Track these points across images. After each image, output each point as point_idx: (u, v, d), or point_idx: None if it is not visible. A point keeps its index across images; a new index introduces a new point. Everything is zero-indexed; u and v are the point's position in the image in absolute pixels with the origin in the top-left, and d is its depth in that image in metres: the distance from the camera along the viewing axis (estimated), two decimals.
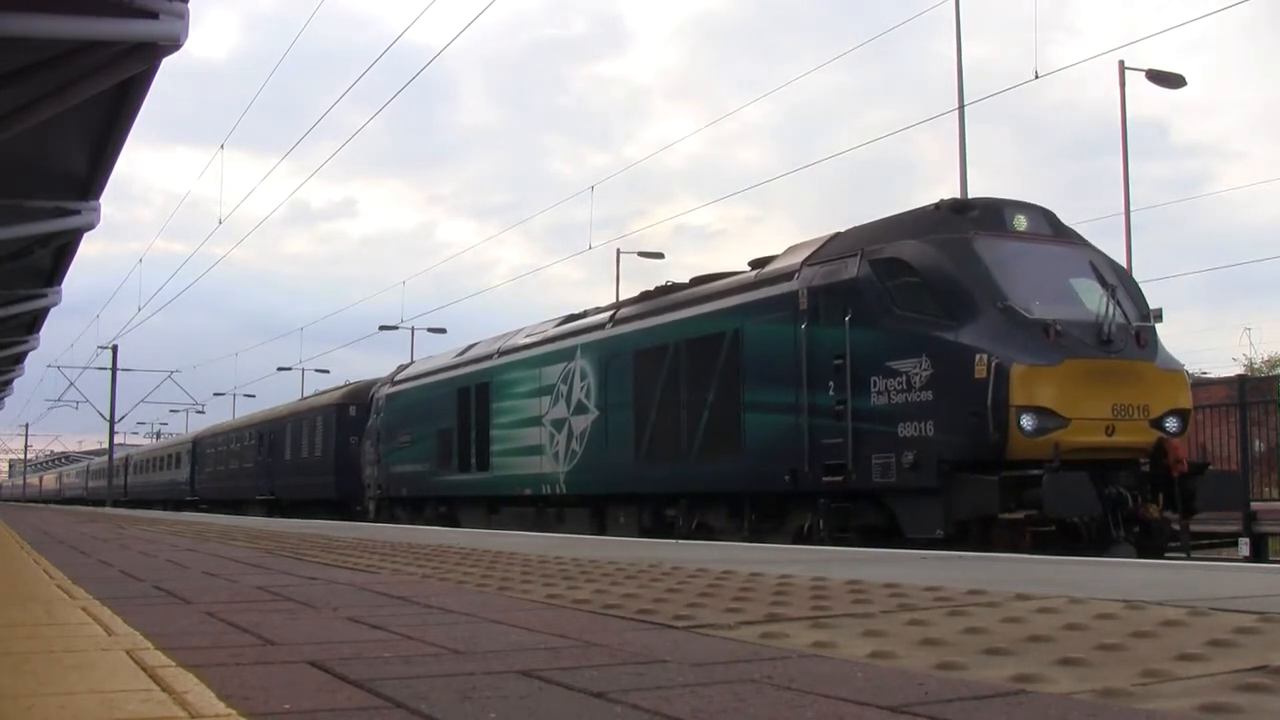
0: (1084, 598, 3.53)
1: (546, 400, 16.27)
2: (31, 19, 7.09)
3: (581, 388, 15.41)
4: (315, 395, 33.96)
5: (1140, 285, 11.45)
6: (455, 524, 18.04)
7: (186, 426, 65.29)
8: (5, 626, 3.13)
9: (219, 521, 17.24)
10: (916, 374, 9.99)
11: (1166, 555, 9.85)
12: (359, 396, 26.78)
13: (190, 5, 7.54)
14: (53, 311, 19.09)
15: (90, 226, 12.59)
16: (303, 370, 54.01)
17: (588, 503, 15.30)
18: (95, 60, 7.79)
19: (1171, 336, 11.36)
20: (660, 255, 38.49)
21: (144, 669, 2.32)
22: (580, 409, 15.36)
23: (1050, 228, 11.15)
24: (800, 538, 11.17)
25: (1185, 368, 11.02)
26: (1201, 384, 16.96)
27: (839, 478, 10.66)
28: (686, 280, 14.60)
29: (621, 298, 19.12)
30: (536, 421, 16.46)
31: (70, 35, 7.42)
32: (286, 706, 1.91)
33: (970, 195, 13.06)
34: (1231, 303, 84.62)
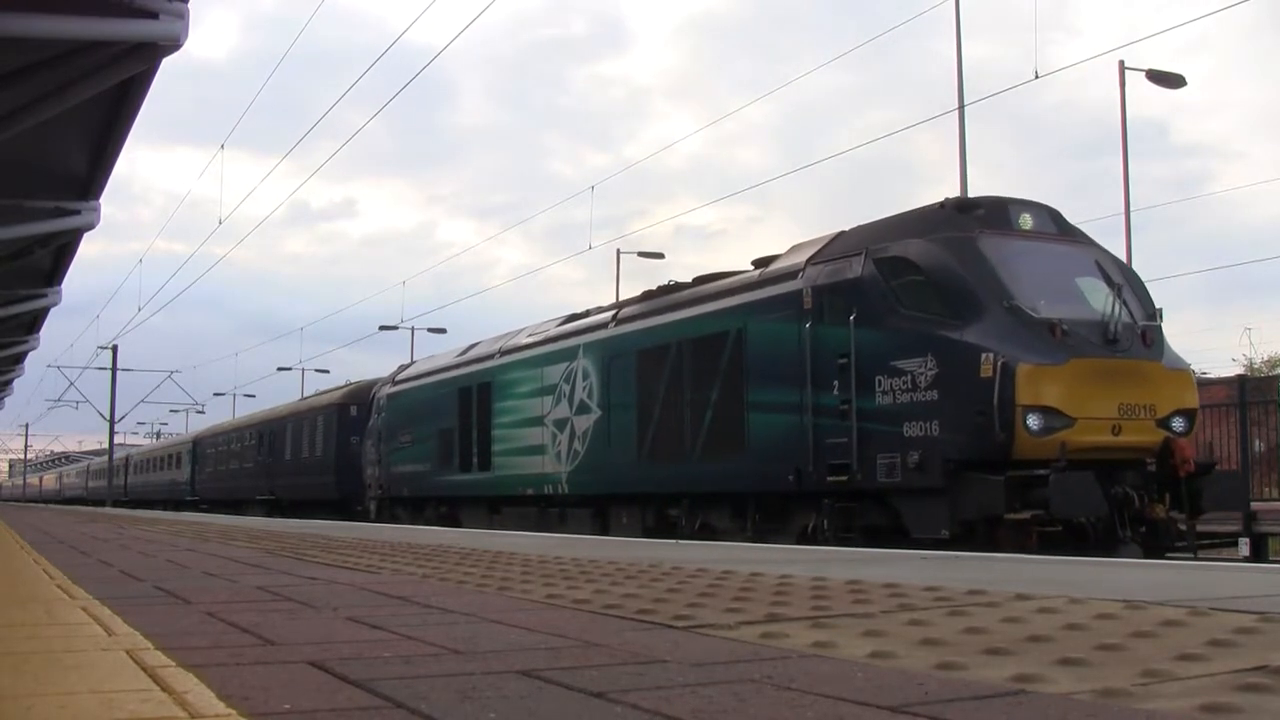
0: (1084, 598, 3.53)
1: (549, 400, 16.24)
2: (31, 19, 7.10)
3: (584, 387, 15.39)
4: (316, 395, 33.97)
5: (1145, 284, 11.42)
6: (457, 524, 18.02)
7: (186, 426, 65.36)
8: (5, 626, 3.14)
9: (219, 521, 17.24)
10: (922, 373, 9.96)
11: (1170, 555, 9.82)
12: (360, 396, 26.78)
13: (190, 5, 7.55)
14: (53, 311, 19.12)
15: (90, 226, 12.59)
16: (303, 370, 54.09)
17: (590, 503, 15.26)
18: (95, 60, 7.79)
19: (1172, 336, 11.29)
20: (660, 255, 38.50)
21: (144, 669, 2.32)
22: (583, 409, 15.34)
23: (1055, 226, 11.11)
24: (804, 538, 11.13)
25: (1192, 367, 10.97)
26: (1201, 384, 16.92)
27: (844, 477, 10.62)
28: (689, 280, 14.57)
29: (621, 298, 19.11)
30: (539, 421, 16.43)
31: (70, 35, 7.42)
32: (286, 706, 1.91)
33: (971, 195, 13.00)
34: (1231, 303, 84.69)
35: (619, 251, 35.67)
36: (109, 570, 5.56)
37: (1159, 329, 10.50)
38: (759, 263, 13.14)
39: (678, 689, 2.05)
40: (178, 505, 42.46)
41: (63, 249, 14.52)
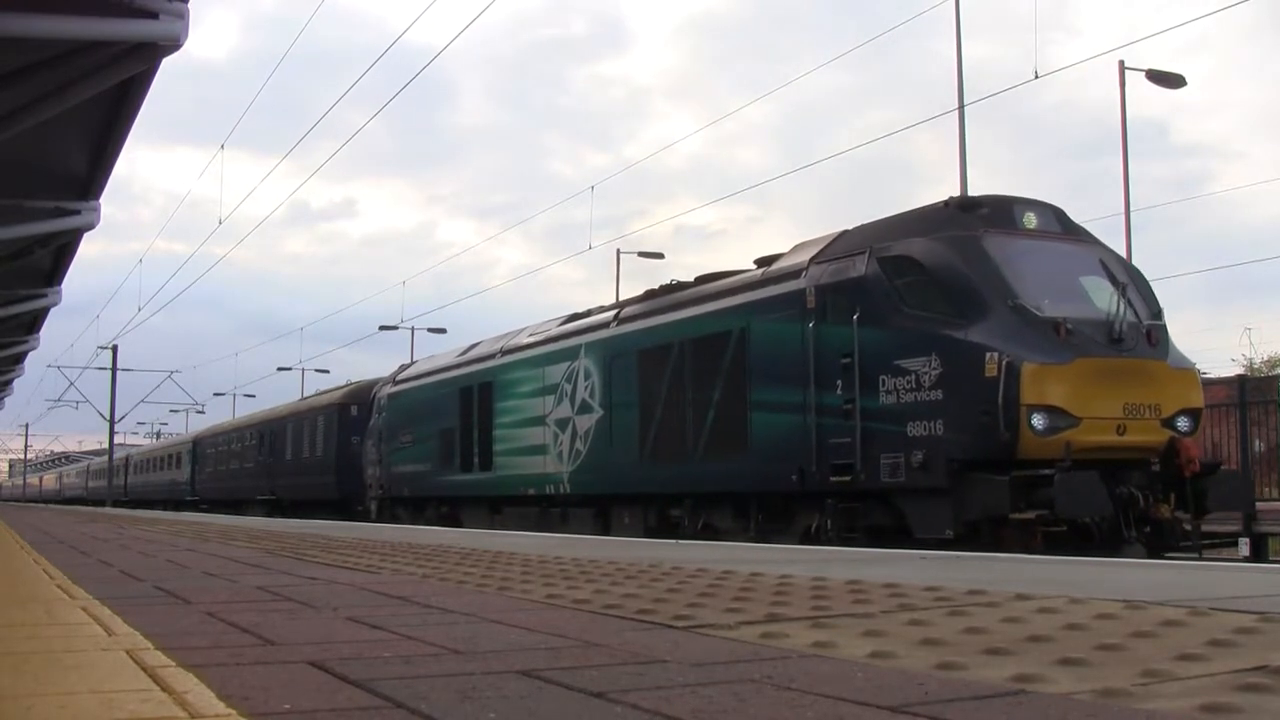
0: (1084, 598, 3.53)
1: (550, 399, 16.22)
2: (31, 19, 7.10)
3: (585, 387, 15.36)
4: (316, 395, 33.97)
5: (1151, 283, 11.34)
6: (458, 524, 18.00)
7: (186, 426, 65.37)
8: (5, 626, 3.14)
9: (219, 522, 17.24)
10: (926, 373, 9.92)
11: (1173, 555, 9.79)
12: (360, 396, 26.77)
13: (190, 5, 7.55)
14: (53, 311, 19.13)
15: (90, 226, 12.60)
16: (303, 370, 54.10)
17: (592, 503, 15.23)
18: (95, 60, 7.79)
19: (1171, 337, 11.33)
20: (660, 255, 38.57)
21: (144, 669, 2.32)
22: (584, 408, 15.31)
23: (1060, 225, 11.06)
24: (807, 538, 11.10)
25: (1197, 366, 10.94)
26: (1202, 384, 16.94)
27: (847, 477, 10.58)
28: (691, 279, 14.53)
29: (622, 298, 19.09)
30: (540, 421, 16.41)
31: (70, 35, 7.42)
32: (286, 706, 1.91)
33: (971, 195, 12.97)
34: (1231, 303, 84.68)
35: (619, 251, 35.71)
36: (109, 570, 5.56)
37: (1164, 328, 10.45)
38: (761, 262, 13.10)
39: (678, 689, 2.05)
40: (178, 505, 42.46)
41: (63, 249, 14.53)
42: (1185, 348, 10.78)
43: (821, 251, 11.69)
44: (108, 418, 45.71)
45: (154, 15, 7.40)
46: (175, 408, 66.55)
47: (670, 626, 2.97)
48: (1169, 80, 21.89)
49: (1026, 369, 9.34)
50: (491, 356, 18.45)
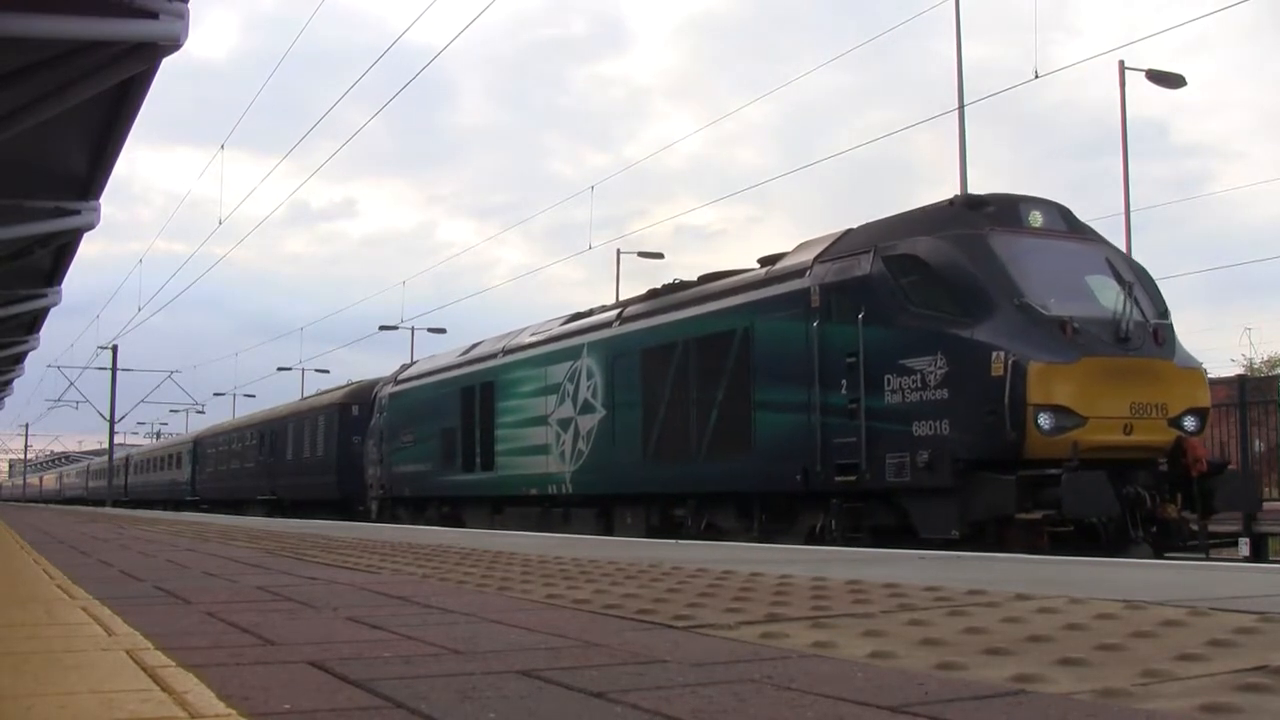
0: (1084, 598, 3.53)
1: (552, 399, 16.19)
2: (31, 19, 7.10)
3: (588, 386, 15.32)
4: (317, 395, 33.96)
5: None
6: (459, 524, 17.98)
7: (186, 426, 65.39)
8: (5, 626, 3.14)
9: (219, 522, 17.24)
10: (931, 372, 9.88)
11: (1179, 555, 9.77)
12: (361, 396, 26.77)
13: (190, 5, 7.55)
14: (53, 311, 19.13)
15: (90, 226, 12.60)
16: (303, 370, 54.10)
17: (594, 503, 15.20)
18: (95, 60, 7.80)
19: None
20: (660, 255, 38.61)
21: (144, 669, 2.32)
22: (587, 408, 15.28)
23: (1066, 223, 11.02)
24: (812, 538, 11.06)
25: (1203, 365, 10.90)
26: None
27: (852, 477, 10.54)
28: (693, 278, 14.49)
29: (621, 298, 19.08)
30: (542, 421, 16.38)
31: (70, 35, 7.42)
32: (286, 706, 1.92)
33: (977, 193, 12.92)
34: (1231, 303, 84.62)
35: (619, 251, 35.71)
36: (109, 570, 5.56)
37: (1170, 327, 10.41)
38: (765, 261, 13.06)
39: (678, 689, 2.05)
40: (178, 505, 42.46)
41: (63, 249, 14.53)
42: (1186, 348, 10.76)
43: (826, 250, 11.65)
44: (108, 418, 45.74)
45: (154, 15, 7.40)
46: (175, 408, 66.60)
47: (670, 626, 2.97)
48: (1169, 80, 21.90)
49: (1033, 368, 9.31)
50: (493, 356, 18.43)
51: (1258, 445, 15.09)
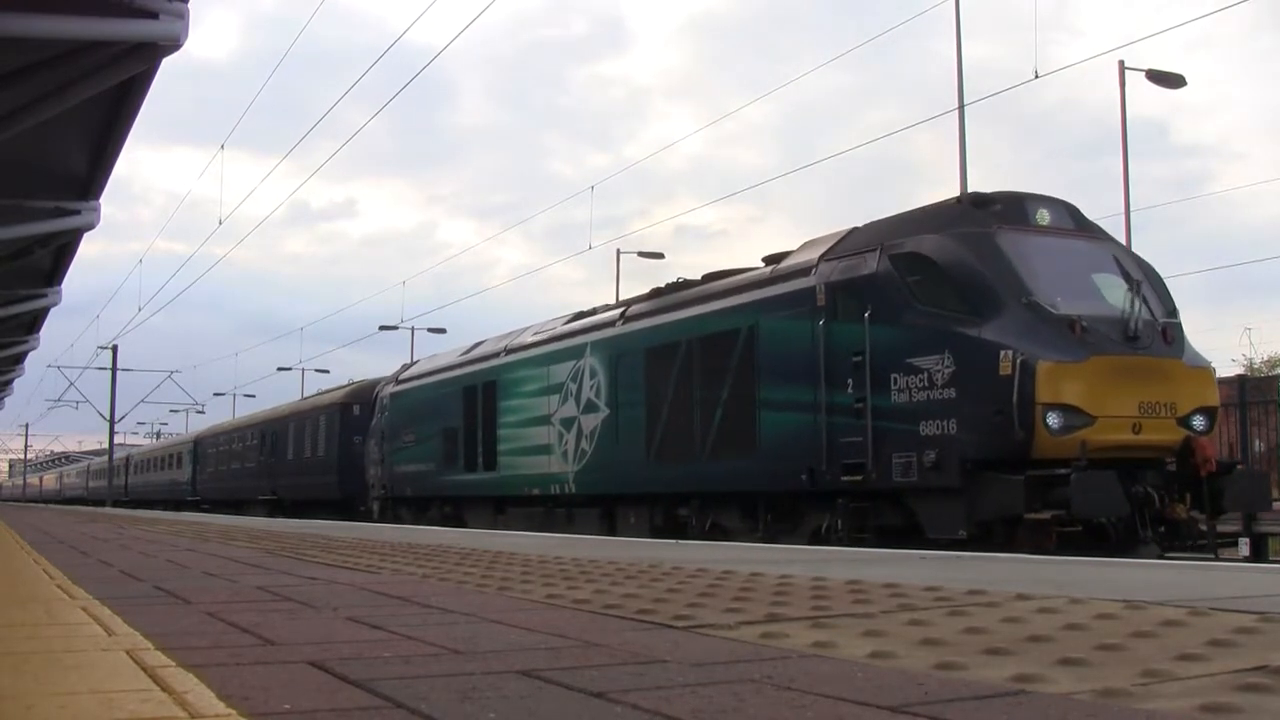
0: (1084, 598, 3.53)
1: (555, 399, 16.14)
2: (31, 19, 7.10)
3: (591, 386, 15.27)
4: (318, 394, 33.96)
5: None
6: (461, 525, 17.95)
7: (186, 426, 65.41)
8: (5, 626, 3.14)
9: (219, 522, 17.24)
10: (939, 371, 9.83)
11: (1184, 555, 9.73)
12: (362, 395, 26.76)
13: (190, 5, 7.55)
14: (53, 311, 19.14)
15: (90, 226, 12.60)
16: (303, 370, 54.10)
17: (597, 503, 15.14)
18: (95, 60, 7.80)
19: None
20: (660, 255, 38.58)
21: (144, 669, 2.32)
22: (590, 407, 15.23)
23: (1073, 221, 10.96)
24: (817, 538, 11.00)
25: (1212, 365, 10.84)
26: None
27: (858, 477, 10.49)
28: (698, 277, 14.42)
29: (622, 298, 19.06)
30: (545, 420, 16.34)
31: (70, 35, 7.43)
32: (286, 706, 1.91)
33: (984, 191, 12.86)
34: (1231, 303, 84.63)
35: (619, 251, 35.72)
36: (109, 570, 5.56)
37: (1179, 325, 10.35)
38: (770, 260, 13.01)
39: (678, 689, 2.05)
40: (179, 505, 42.46)
41: (63, 249, 14.53)
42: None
43: (831, 249, 11.60)
44: (108, 418, 45.74)
45: (154, 15, 7.40)
46: (175, 408, 66.63)
47: (670, 626, 2.97)
48: (1169, 80, 21.90)
49: (1042, 367, 9.25)
50: (495, 355, 18.39)
51: (1258, 445, 15.10)
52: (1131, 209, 21.75)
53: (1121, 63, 21.65)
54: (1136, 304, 9.94)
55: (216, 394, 63.80)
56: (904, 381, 10.16)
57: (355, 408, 26.94)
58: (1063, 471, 9.00)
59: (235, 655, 2.52)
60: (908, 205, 11.87)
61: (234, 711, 1.87)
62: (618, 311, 15.49)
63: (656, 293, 14.94)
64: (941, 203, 11.36)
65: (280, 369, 56.73)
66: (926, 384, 9.94)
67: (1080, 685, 2.03)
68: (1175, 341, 10.18)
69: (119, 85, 8.49)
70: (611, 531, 14.43)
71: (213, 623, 3.19)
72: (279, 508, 30.63)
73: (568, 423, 15.74)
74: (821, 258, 11.56)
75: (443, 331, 41.45)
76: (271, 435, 33.15)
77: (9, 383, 35.57)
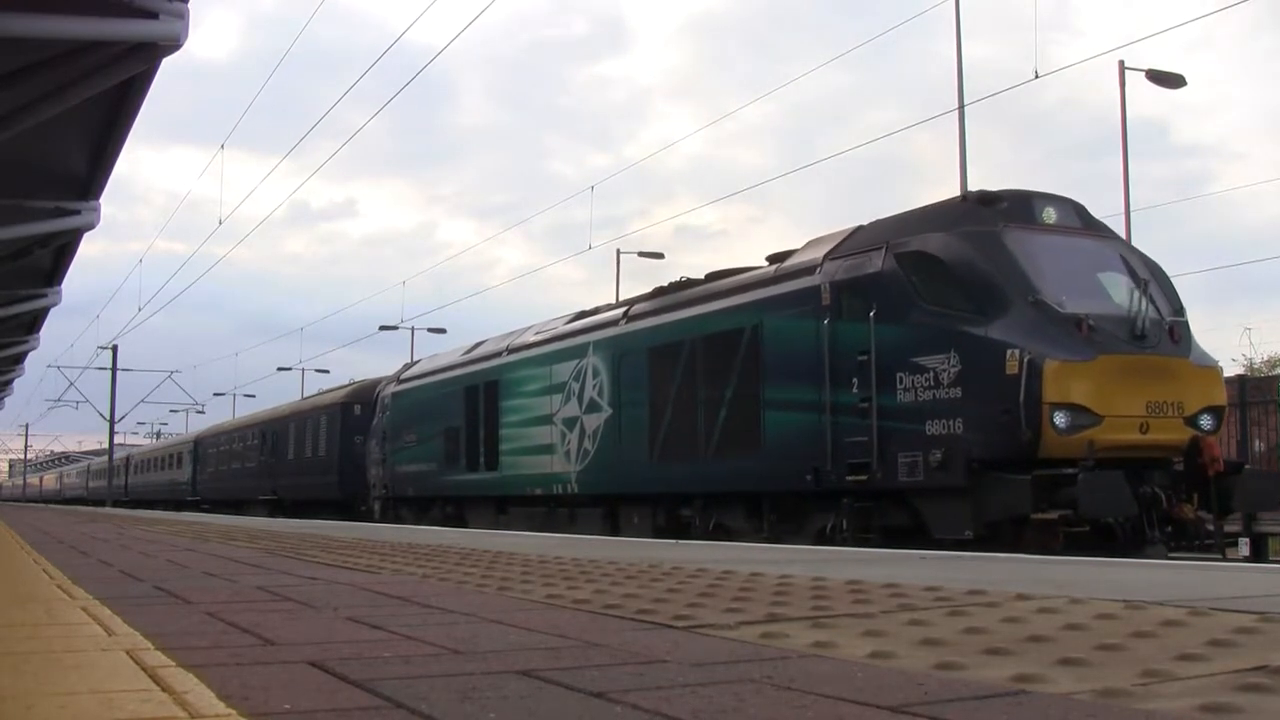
0: (1084, 598, 3.53)
1: (558, 398, 16.11)
2: (31, 19, 7.10)
3: (594, 385, 15.23)
4: (319, 394, 33.95)
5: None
6: (463, 525, 17.93)
7: (186, 426, 65.41)
8: (5, 626, 3.13)
9: (219, 522, 17.24)
10: (945, 370, 9.79)
11: (1189, 555, 9.72)
12: (363, 395, 26.74)
13: (190, 5, 7.56)
14: (53, 311, 19.15)
15: (90, 226, 12.60)
16: (303, 370, 54.10)
17: (600, 503, 15.11)
18: (95, 60, 7.80)
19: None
20: (660, 255, 38.65)
21: (144, 669, 2.32)
22: (593, 407, 15.19)
23: (1080, 220, 10.93)
24: (822, 538, 10.97)
25: (1219, 364, 10.78)
26: None
27: (863, 477, 10.45)
28: (701, 276, 14.38)
29: (622, 297, 19.03)
30: (547, 420, 16.30)
31: (70, 35, 7.43)
32: (286, 706, 1.91)
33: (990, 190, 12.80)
34: (1231, 303, 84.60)
35: (619, 251, 35.70)
36: (109, 570, 5.56)
37: (1186, 324, 10.32)
38: (774, 258, 12.96)
39: (678, 689, 2.05)
40: (179, 505, 42.46)
41: (63, 249, 14.54)
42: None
43: (836, 247, 11.56)
44: (108, 418, 45.74)
45: (154, 15, 7.41)
46: (175, 408, 66.72)
47: (670, 626, 2.97)
48: (1169, 80, 21.89)
49: (1049, 366, 9.22)
50: (497, 355, 18.36)
51: (1258, 445, 15.09)
52: (1132, 209, 21.77)
53: (1121, 63, 21.66)
54: (1143, 303, 9.89)
55: (216, 394, 63.89)
56: (909, 380, 10.12)
57: (356, 407, 26.93)
58: (1070, 471, 8.97)
59: (235, 655, 2.52)
60: (908, 205, 11.85)
61: (234, 711, 1.87)
62: (621, 310, 15.45)
63: (660, 292, 14.90)
64: (947, 201, 11.33)
65: (280, 369, 56.78)
66: (932, 383, 9.90)
67: (1080, 685, 2.03)
68: (1182, 341, 10.14)
69: (119, 85, 8.49)
70: (614, 532, 14.40)
71: (213, 623, 3.19)
72: (279, 508, 30.62)
73: (570, 422, 15.70)
74: (826, 256, 11.52)
75: (443, 331, 41.49)
76: (272, 435, 33.14)
77: (9, 383, 35.58)
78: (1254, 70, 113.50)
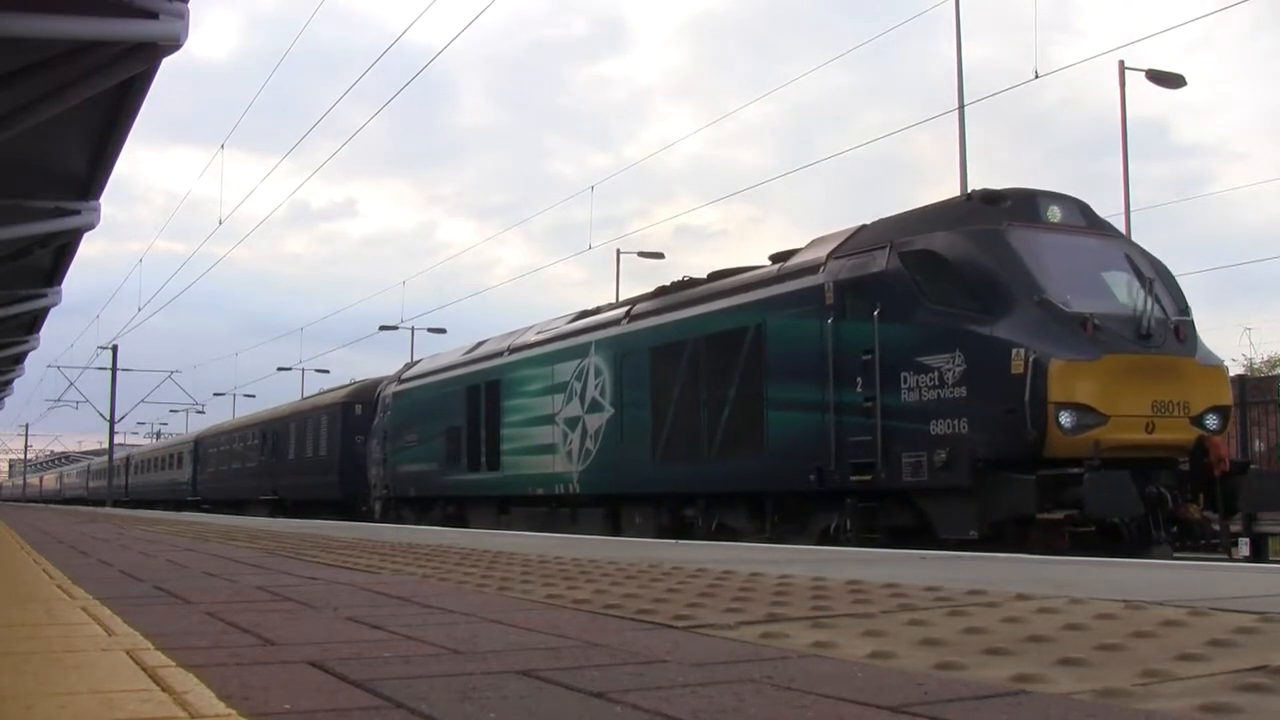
0: (1084, 598, 3.53)
1: (559, 398, 16.07)
2: (31, 19, 7.11)
3: (596, 385, 15.19)
4: (319, 394, 33.95)
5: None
6: (464, 525, 17.90)
7: (186, 426, 65.44)
8: (5, 626, 3.13)
9: (219, 522, 17.23)
10: (949, 369, 9.76)
11: (1193, 555, 9.71)
12: (364, 395, 26.73)
13: (190, 5, 7.56)
14: (53, 311, 19.15)
15: (90, 226, 12.61)
16: (303, 370, 54.14)
17: (602, 503, 15.07)
18: (95, 60, 7.80)
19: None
20: (660, 255, 38.68)
21: (144, 669, 2.32)
22: (595, 407, 15.15)
23: (1084, 219, 10.88)
24: (825, 538, 10.94)
25: (1225, 363, 10.73)
26: None
27: (867, 476, 10.42)
28: (702, 276, 14.34)
29: (622, 297, 19.01)
30: (549, 420, 16.27)
31: (70, 35, 7.43)
32: (286, 706, 1.91)
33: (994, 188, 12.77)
34: (1231, 303, 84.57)
35: (619, 251, 35.75)
36: (109, 570, 5.56)
37: (1191, 324, 10.29)
38: (777, 257, 12.92)
39: (678, 689, 2.05)
40: (179, 505, 42.46)
41: (63, 249, 14.54)
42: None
43: (840, 246, 11.52)
44: (108, 418, 45.75)
45: (154, 15, 7.41)
46: (175, 408, 66.77)
47: (670, 626, 2.97)
48: (1169, 80, 21.89)
49: (1054, 365, 9.19)
50: (499, 354, 18.33)
51: (1258, 445, 15.09)
52: (1132, 209, 21.77)
53: (1121, 63, 21.67)
54: (1149, 302, 9.86)
55: (216, 394, 63.95)
56: (914, 380, 10.09)
57: (357, 407, 26.92)
58: (1076, 471, 8.94)
59: (235, 655, 2.52)
60: (908, 206, 11.81)
61: (234, 711, 1.87)
62: (623, 310, 15.40)
63: (662, 291, 14.86)
64: (951, 200, 11.30)
65: (280, 369, 56.82)
66: (937, 383, 9.87)
67: (1080, 685, 2.03)
68: (1188, 340, 10.10)
69: (119, 85, 8.49)
70: (616, 532, 14.36)
71: (213, 623, 3.19)
72: (280, 508, 30.61)
73: (572, 422, 15.67)
74: (830, 255, 11.49)
75: (443, 331, 41.52)
76: (273, 435, 33.13)
77: (9, 383, 35.58)
78: (1254, 70, 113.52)
